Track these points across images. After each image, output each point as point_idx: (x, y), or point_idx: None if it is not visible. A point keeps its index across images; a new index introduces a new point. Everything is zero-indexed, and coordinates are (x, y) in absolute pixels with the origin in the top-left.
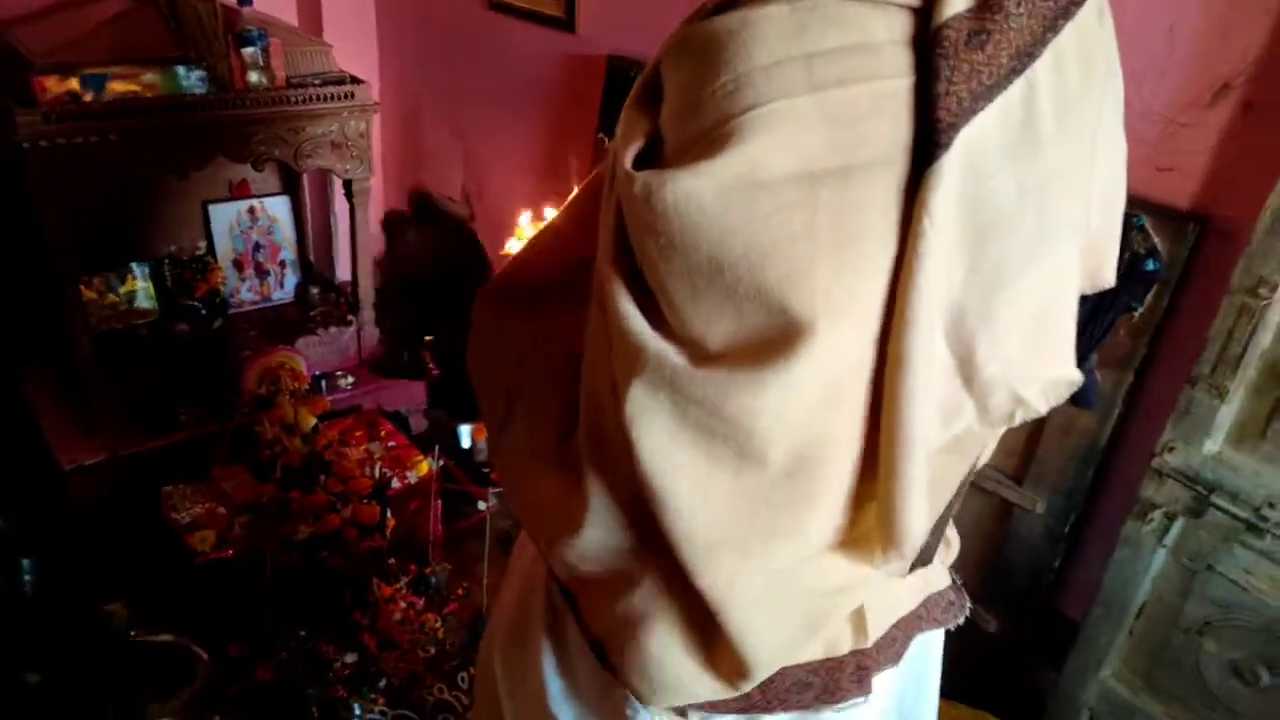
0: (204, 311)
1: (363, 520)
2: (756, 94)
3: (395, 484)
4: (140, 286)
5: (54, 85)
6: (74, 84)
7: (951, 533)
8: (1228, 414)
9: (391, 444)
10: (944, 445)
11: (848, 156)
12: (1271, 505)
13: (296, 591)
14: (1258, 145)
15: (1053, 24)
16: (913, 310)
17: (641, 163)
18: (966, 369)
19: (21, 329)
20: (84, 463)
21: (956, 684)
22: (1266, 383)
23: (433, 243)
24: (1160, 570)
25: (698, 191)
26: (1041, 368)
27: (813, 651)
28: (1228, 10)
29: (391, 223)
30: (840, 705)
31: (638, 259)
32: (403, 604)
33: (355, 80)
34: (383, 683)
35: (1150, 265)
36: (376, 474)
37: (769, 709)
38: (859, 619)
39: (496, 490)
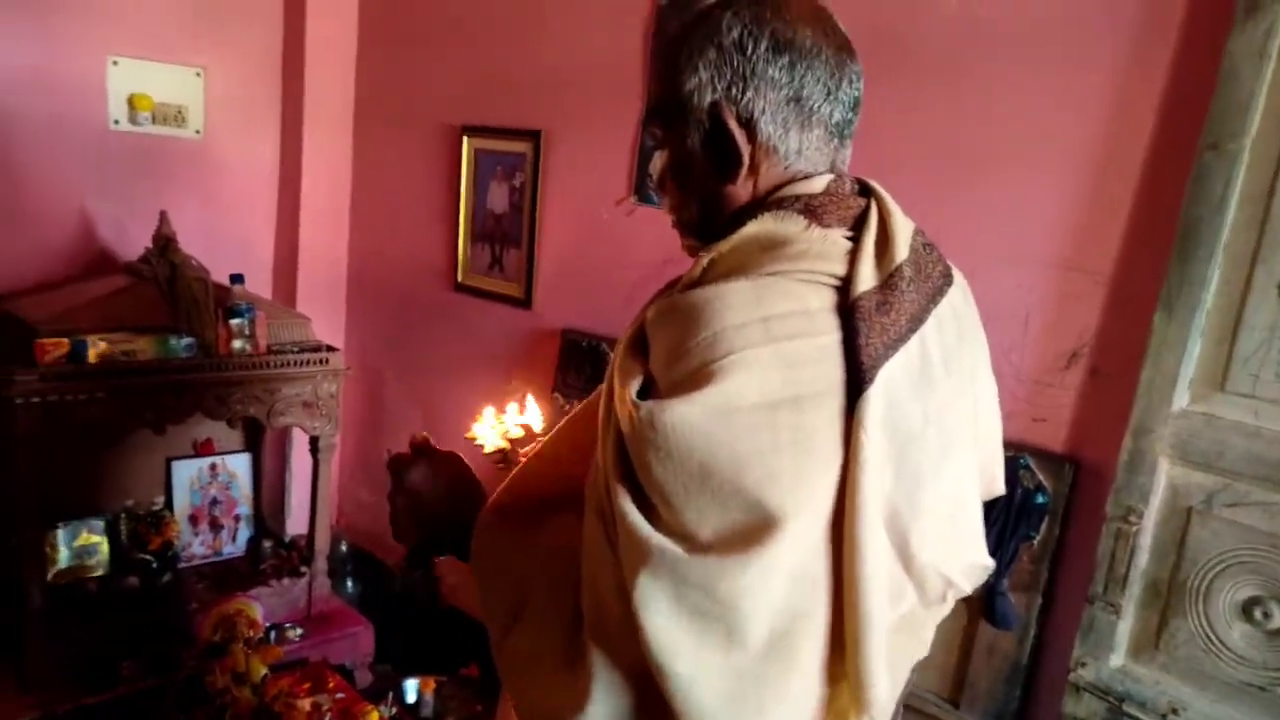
0: (155, 565)
1: None
2: (729, 345)
3: None
4: (94, 540)
5: (53, 348)
6: (68, 346)
7: None
8: (1124, 629)
9: (340, 695)
10: (894, 625)
11: (799, 389)
12: (1175, 711)
13: None
14: (1106, 400)
15: (933, 298)
16: (860, 504)
17: (640, 396)
18: (904, 556)
19: None
20: None
21: None
22: (1150, 598)
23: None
24: None
25: (690, 415)
26: (961, 553)
27: None
28: (1066, 302)
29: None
30: None
31: (638, 472)
32: None
33: (330, 348)
34: None
35: (1039, 498)
36: None
37: None
38: None
39: None
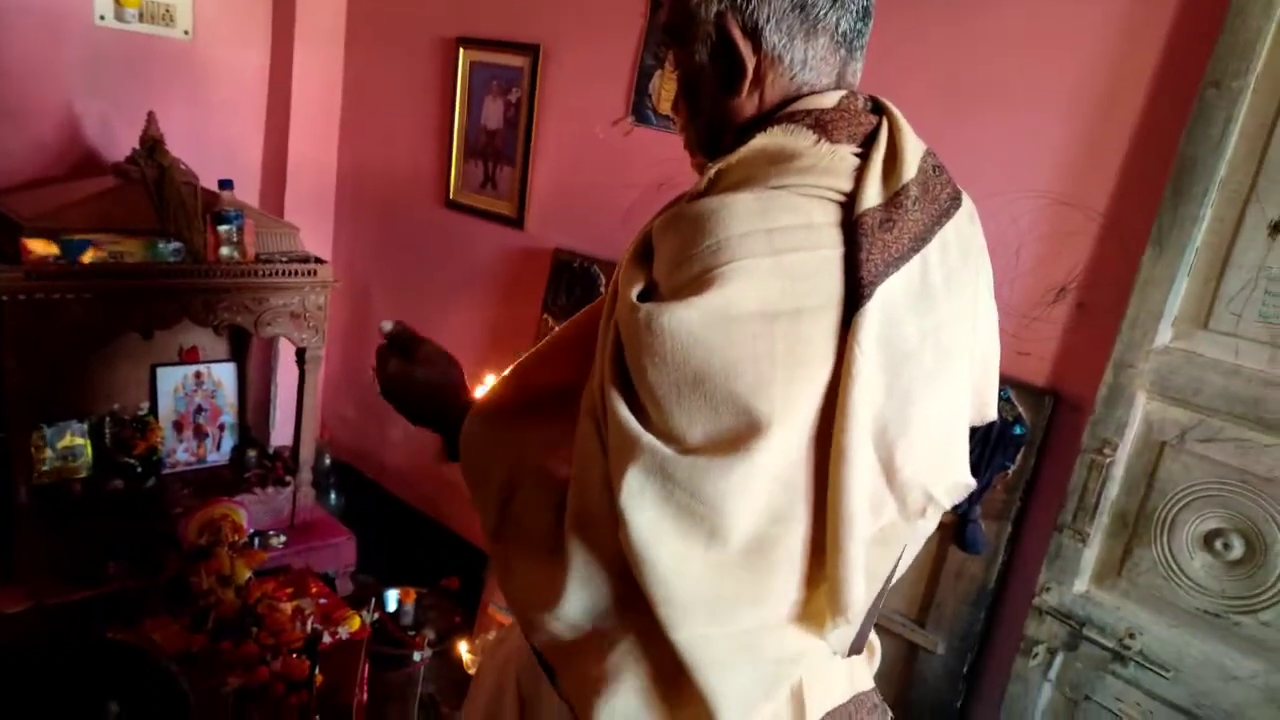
0: (139, 470)
1: (292, 674)
2: (732, 253)
3: (326, 639)
4: (78, 443)
5: (38, 247)
6: (56, 248)
7: (875, 640)
8: (1090, 556)
9: (322, 600)
10: (874, 537)
11: (798, 301)
12: (1131, 635)
13: None
14: (1090, 335)
15: (938, 219)
16: (850, 415)
17: (640, 299)
18: (888, 470)
19: None
20: (5, 611)
21: None
22: (1117, 528)
23: None
24: (1048, 703)
25: (688, 318)
26: (945, 472)
27: None
28: (1059, 236)
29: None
30: None
31: (632, 374)
32: None
33: (319, 260)
34: None
35: (1018, 430)
36: (308, 628)
37: None
38: (798, 703)
39: (424, 651)
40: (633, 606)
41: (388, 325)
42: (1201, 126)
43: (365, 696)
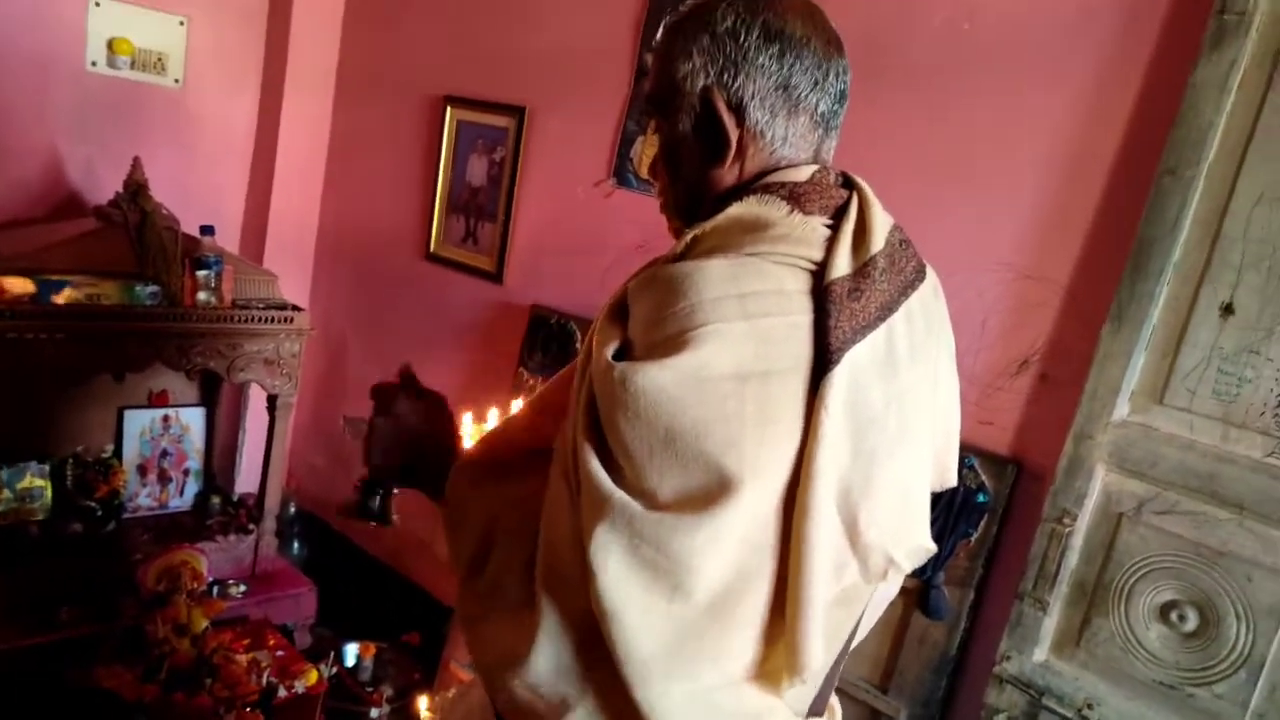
0: (99, 513)
1: None
2: (705, 316)
3: (282, 693)
4: (38, 484)
5: (14, 285)
6: (32, 286)
7: (835, 702)
8: (1050, 625)
9: (280, 652)
10: (835, 598)
11: (768, 364)
12: (1090, 706)
13: None
14: (1051, 406)
15: (904, 290)
16: (815, 476)
17: (615, 358)
18: (851, 532)
19: None
20: None
21: None
22: (1076, 597)
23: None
24: None
25: (662, 378)
26: (907, 535)
27: None
28: (1023, 310)
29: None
30: None
31: (606, 430)
32: None
33: (295, 308)
34: None
35: (981, 498)
36: (264, 681)
37: None
38: None
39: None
40: (598, 666)
41: (403, 368)
42: (1157, 210)
43: None
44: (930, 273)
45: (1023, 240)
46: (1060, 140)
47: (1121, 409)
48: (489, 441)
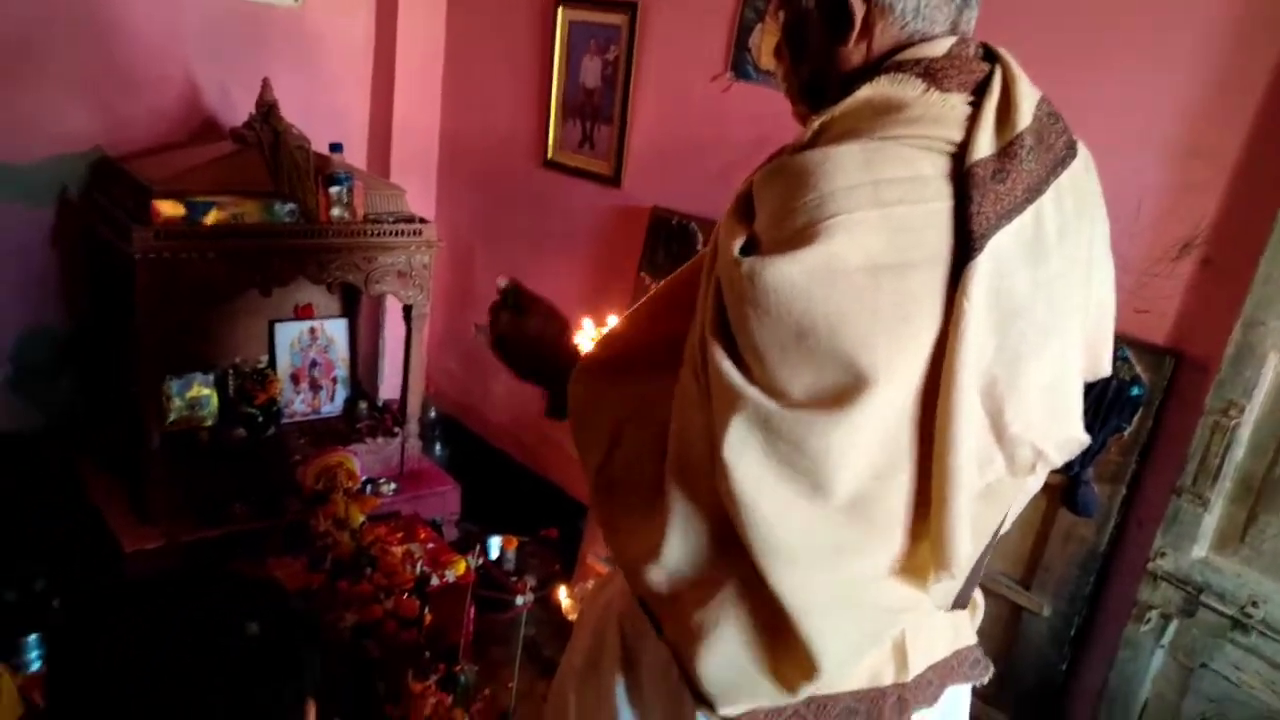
0: (260, 419)
1: (403, 613)
2: (837, 206)
3: (435, 581)
4: (205, 393)
5: (167, 208)
6: (183, 209)
7: (978, 596)
8: (1210, 521)
9: (430, 545)
10: (980, 493)
11: (904, 255)
12: (1255, 604)
13: (336, 678)
14: (1217, 292)
15: (1053, 170)
16: (957, 371)
17: (743, 254)
18: (997, 426)
19: (81, 422)
20: (144, 548)
21: None
22: (1241, 493)
23: None
24: (1160, 670)
25: (791, 273)
26: (1056, 428)
27: (859, 680)
28: (1184, 189)
29: None
30: None
31: (734, 328)
32: (432, 699)
33: (423, 220)
34: None
35: (1135, 391)
36: (418, 570)
37: None
38: (900, 655)
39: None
40: (732, 555)
41: (503, 281)
42: None
43: (471, 636)
44: (1082, 148)
45: (1185, 112)
46: None
47: None
48: (610, 341)
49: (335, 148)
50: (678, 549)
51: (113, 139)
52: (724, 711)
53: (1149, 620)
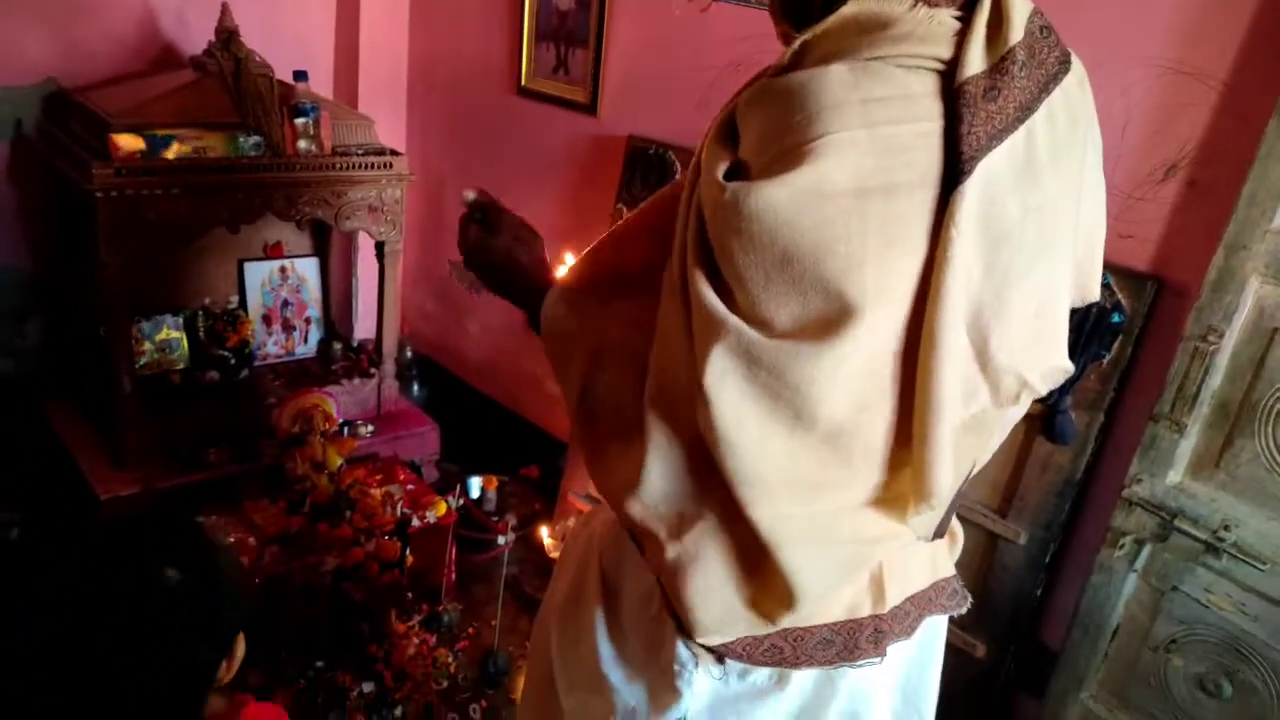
0: (233, 361)
1: (384, 555)
2: (824, 126)
3: (415, 523)
4: (174, 335)
5: (126, 142)
6: (143, 143)
7: (957, 527)
8: (1186, 447)
9: (410, 486)
10: (964, 424)
11: (892, 177)
12: (1226, 528)
13: (317, 622)
14: (1200, 216)
15: (1045, 86)
16: (943, 299)
17: (727, 179)
18: (982, 356)
19: (50, 367)
20: (120, 494)
21: (949, 709)
22: (1218, 418)
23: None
24: (1132, 593)
25: (776, 198)
26: (1041, 357)
27: (836, 612)
28: (1172, 109)
29: None
30: (857, 664)
31: (718, 256)
32: (416, 639)
33: (394, 153)
34: (399, 711)
35: (1115, 318)
36: (398, 512)
37: (796, 663)
38: (877, 587)
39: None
40: (711, 486)
41: (470, 194)
42: None
43: (454, 576)
44: (1076, 62)
45: (1174, 29)
46: None
47: None
48: (586, 265)
49: (300, 76)
50: (657, 479)
51: (66, 69)
52: (703, 641)
53: (1123, 546)
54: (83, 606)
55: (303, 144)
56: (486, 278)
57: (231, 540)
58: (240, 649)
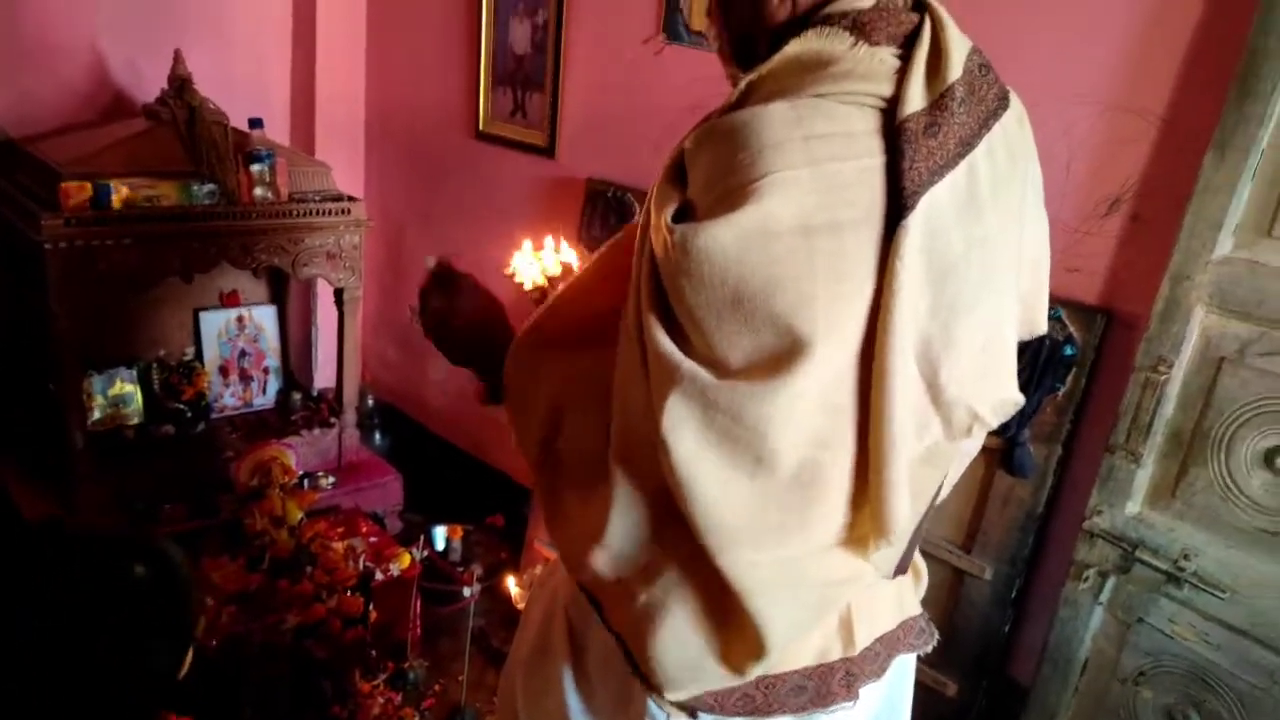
0: (189, 414)
1: (347, 611)
2: (767, 165)
3: (378, 576)
4: (128, 389)
5: (76, 192)
6: (93, 191)
7: (921, 564)
8: (1143, 478)
9: (373, 538)
10: (919, 456)
11: (836, 214)
12: (1186, 557)
13: (278, 681)
14: (1145, 249)
15: (985, 123)
16: (891, 332)
17: (676, 220)
18: (933, 388)
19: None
20: None
21: None
22: (1172, 448)
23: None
24: (1099, 626)
25: (724, 238)
26: (991, 389)
27: (807, 657)
28: (1113, 145)
29: None
30: (830, 709)
31: (670, 298)
32: (381, 699)
33: (352, 198)
34: None
35: (1068, 350)
36: (361, 566)
37: (769, 711)
38: (847, 629)
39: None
40: (677, 534)
41: (431, 261)
42: (1270, 17)
43: (419, 631)
44: (1015, 99)
45: (1113, 67)
46: None
47: (1224, 245)
48: (544, 317)
49: (255, 123)
50: (621, 529)
51: (15, 120)
52: (672, 696)
53: (1087, 578)
54: (48, 606)
55: (258, 191)
56: (447, 347)
57: None
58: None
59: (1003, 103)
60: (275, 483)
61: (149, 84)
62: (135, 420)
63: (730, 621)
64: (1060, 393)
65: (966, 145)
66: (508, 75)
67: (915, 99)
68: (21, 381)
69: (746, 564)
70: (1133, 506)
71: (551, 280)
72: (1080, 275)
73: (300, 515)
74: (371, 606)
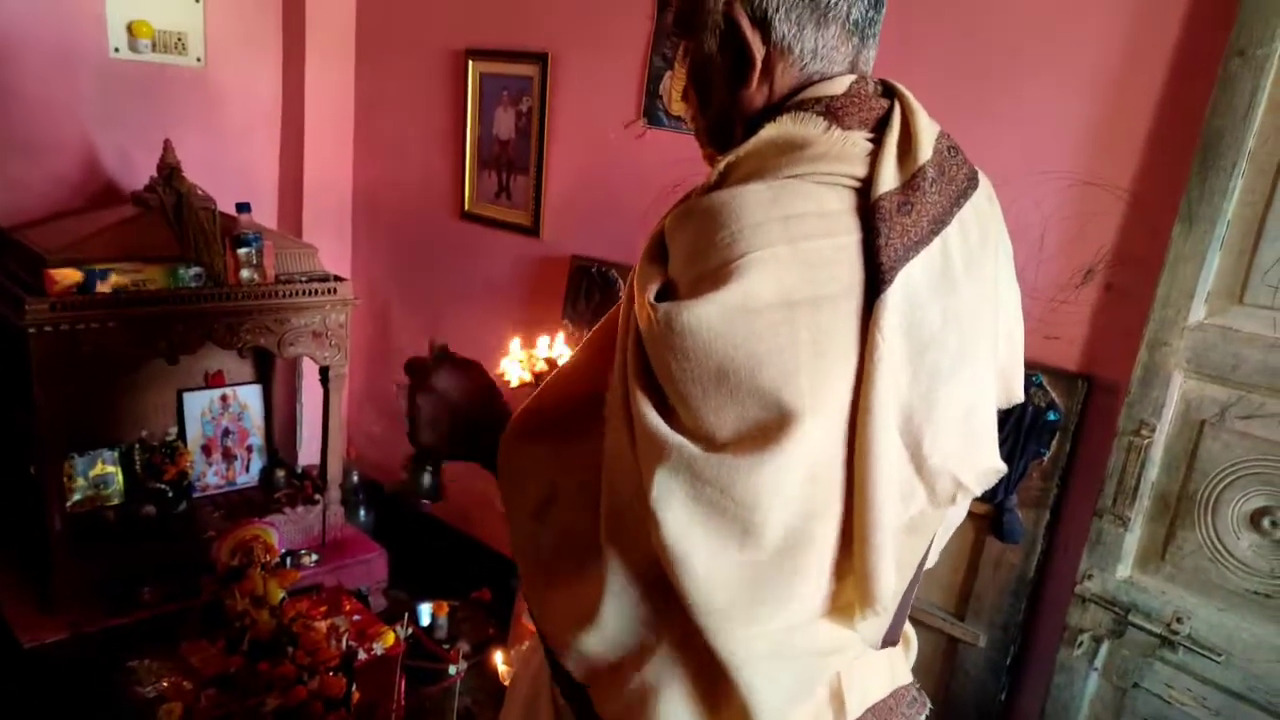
0: (170, 494)
1: (329, 692)
2: (747, 244)
3: (362, 655)
4: (109, 471)
5: (63, 276)
6: (79, 276)
7: (910, 631)
8: (1132, 541)
9: (357, 616)
10: (904, 525)
11: (816, 289)
12: (1179, 620)
13: None
14: (1120, 316)
15: (956, 201)
16: (874, 403)
17: (658, 299)
18: (916, 458)
19: None
20: (44, 640)
21: None
22: (1159, 511)
23: None
24: (1095, 693)
25: (708, 314)
26: (973, 458)
27: None
28: (1084, 218)
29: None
30: None
31: (657, 374)
32: None
33: (338, 278)
34: None
35: (1051, 416)
36: (344, 645)
37: None
38: (838, 701)
39: (459, 665)
40: (668, 613)
41: (437, 342)
42: (1227, 97)
43: (403, 711)
44: (983, 179)
45: (1079, 143)
46: (1115, 28)
47: (1197, 312)
48: (540, 400)
49: (243, 208)
50: (614, 610)
51: (5, 208)
52: None
53: (1081, 644)
54: None
55: (245, 273)
56: (438, 432)
57: (165, 685)
58: None
59: (972, 182)
60: (257, 562)
61: (139, 171)
62: (116, 501)
63: (721, 700)
64: (1045, 458)
65: (939, 223)
66: (492, 159)
67: (888, 179)
68: (2, 462)
69: (739, 639)
70: (1123, 570)
71: (538, 376)
72: (1060, 343)
73: (282, 594)
74: (355, 687)
